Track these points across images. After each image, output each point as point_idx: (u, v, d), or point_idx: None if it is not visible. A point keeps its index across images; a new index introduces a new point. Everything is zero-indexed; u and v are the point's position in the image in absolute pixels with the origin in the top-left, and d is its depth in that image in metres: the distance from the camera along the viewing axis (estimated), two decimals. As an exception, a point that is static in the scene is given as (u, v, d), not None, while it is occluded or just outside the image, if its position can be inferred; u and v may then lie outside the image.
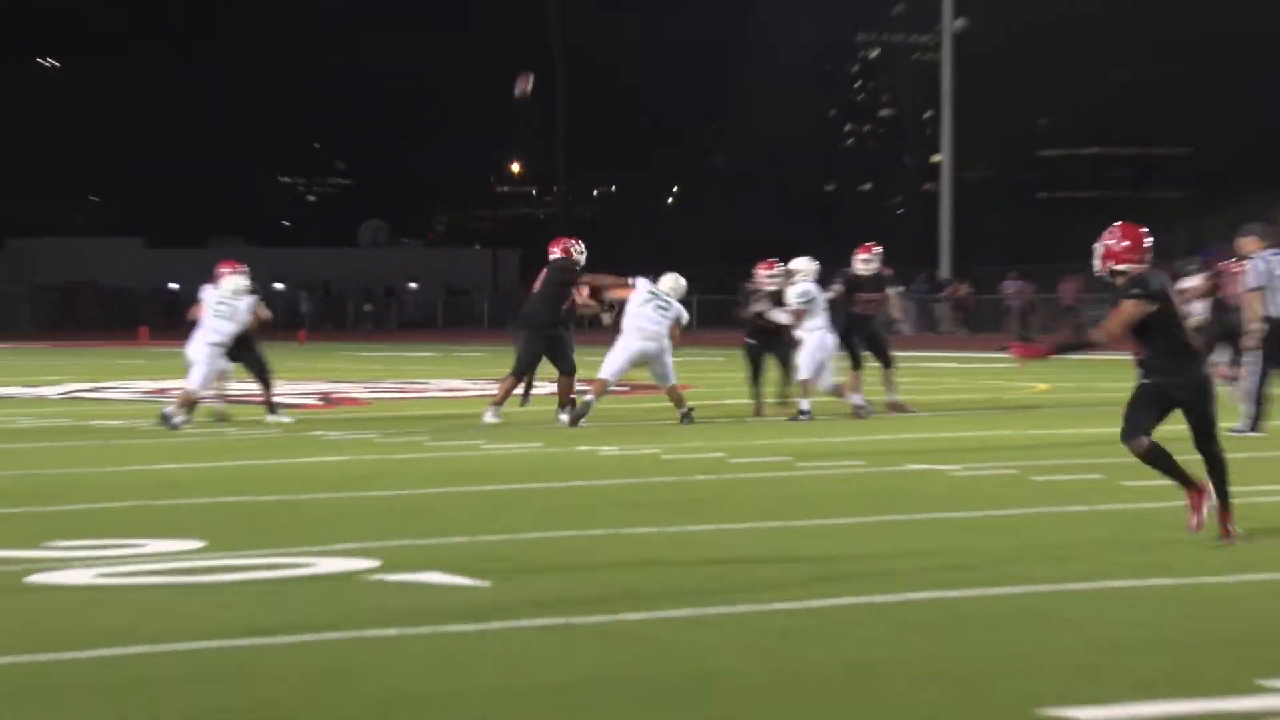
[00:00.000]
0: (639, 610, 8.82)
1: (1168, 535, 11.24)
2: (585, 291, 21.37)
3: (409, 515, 12.69)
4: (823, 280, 22.12)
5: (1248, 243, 19.17)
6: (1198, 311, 20.74)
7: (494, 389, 22.07)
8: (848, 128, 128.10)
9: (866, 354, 22.36)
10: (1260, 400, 18.64)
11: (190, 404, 20.48)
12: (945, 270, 62.31)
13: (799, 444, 17.92)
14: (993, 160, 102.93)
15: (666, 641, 8.16)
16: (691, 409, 20.74)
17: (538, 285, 21.33)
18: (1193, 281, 21.33)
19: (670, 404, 20.98)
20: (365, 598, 9.25)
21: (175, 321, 69.16)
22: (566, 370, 20.93)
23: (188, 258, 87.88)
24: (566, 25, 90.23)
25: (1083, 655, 7.78)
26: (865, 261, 22.59)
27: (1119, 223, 10.98)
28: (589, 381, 21.13)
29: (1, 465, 16.47)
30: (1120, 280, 10.63)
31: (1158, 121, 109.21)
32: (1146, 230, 10.84)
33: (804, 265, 21.99)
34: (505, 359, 24.93)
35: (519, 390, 21.67)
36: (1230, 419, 16.39)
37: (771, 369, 22.13)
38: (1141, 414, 10.58)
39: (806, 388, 21.35)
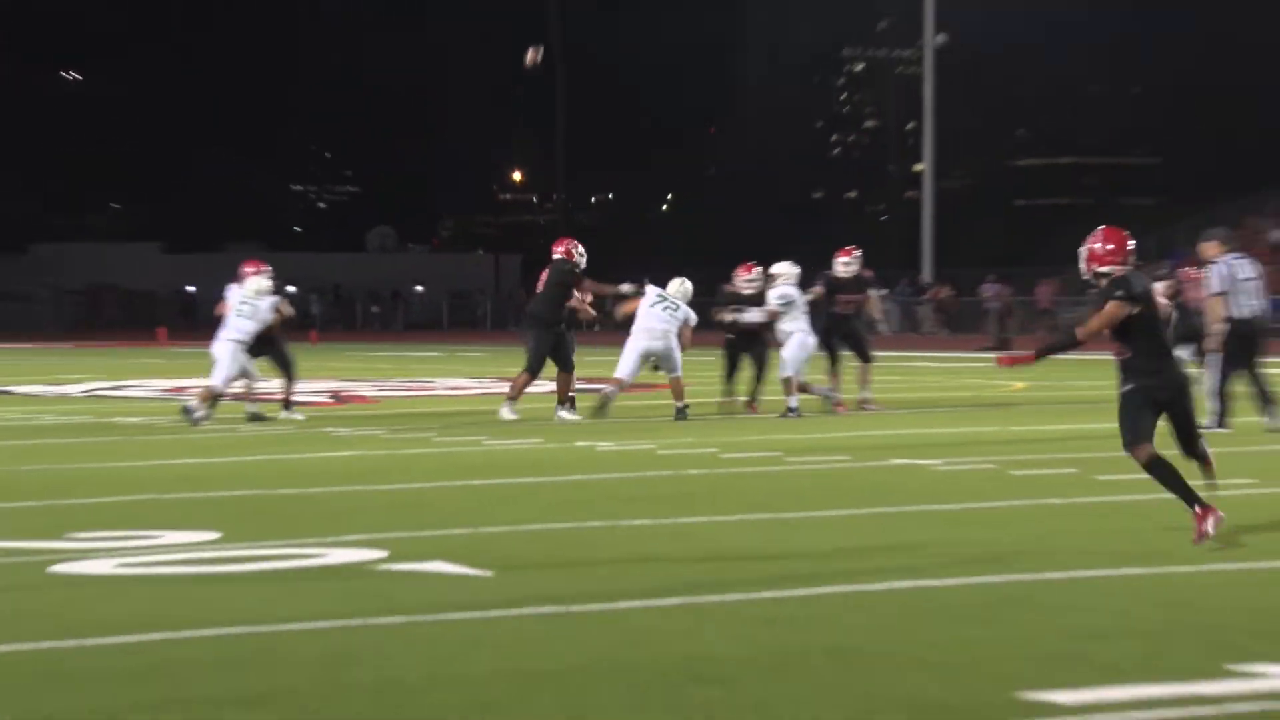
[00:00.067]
0: (635, 599, 8.81)
1: (1140, 526, 11.24)
2: (588, 296, 21.37)
3: (415, 508, 12.68)
4: (804, 283, 22.13)
5: (1209, 248, 19.16)
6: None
7: (500, 386, 22.11)
8: (834, 138, 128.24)
9: (846, 353, 22.37)
10: (1224, 398, 18.66)
11: (212, 400, 20.44)
12: (927, 274, 62.34)
13: (788, 440, 17.91)
14: (972, 169, 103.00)
15: (661, 629, 8.16)
16: (687, 406, 20.73)
17: (540, 286, 21.32)
18: (1156, 286, 21.33)
19: (671, 403, 20.95)
20: (373, 587, 9.24)
21: (192, 323, 69.51)
22: (565, 368, 20.92)
23: (204, 262, 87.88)
24: (567, 39, 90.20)
25: (1059, 642, 7.78)
26: (845, 264, 22.61)
27: (1103, 226, 10.83)
28: (608, 380, 21.17)
29: (26, 460, 16.46)
30: (1103, 282, 10.49)
31: (1129, 133, 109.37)
32: (1129, 234, 10.69)
33: (785, 269, 21.99)
34: (507, 358, 25.00)
35: (533, 386, 21.67)
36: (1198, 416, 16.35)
37: (746, 368, 22.09)
38: (1138, 421, 10.40)
39: (791, 386, 21.34)
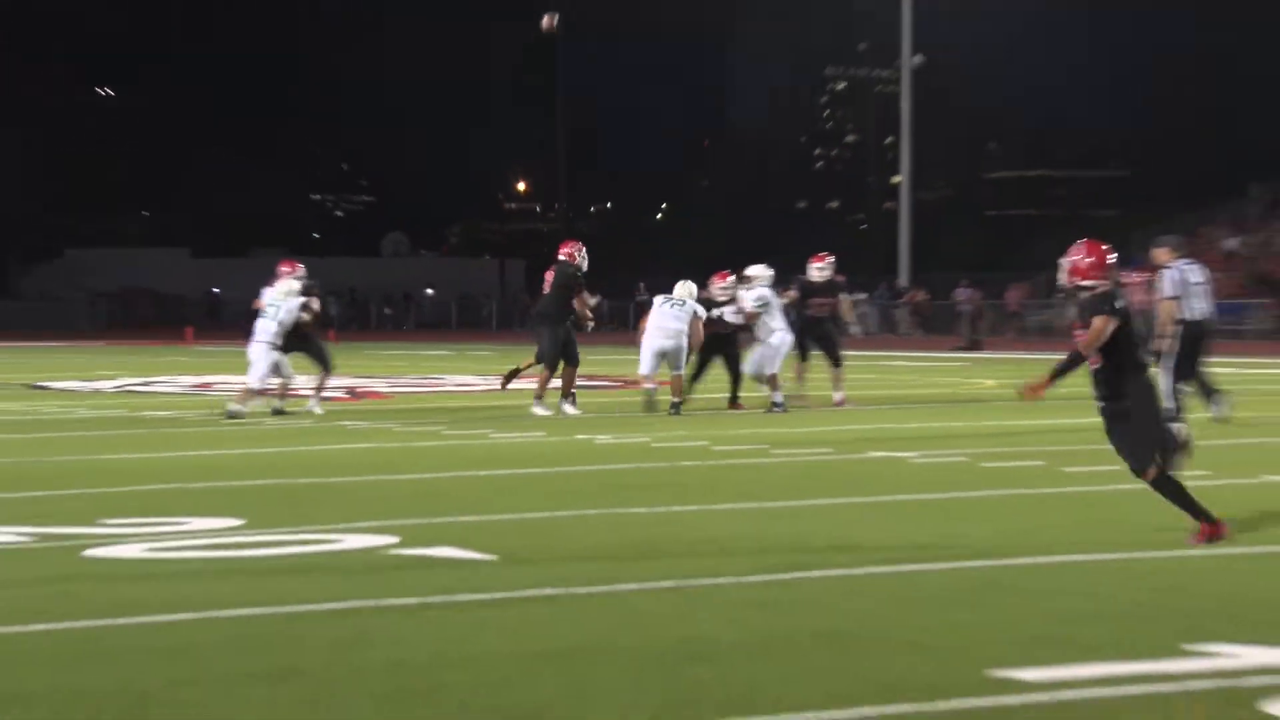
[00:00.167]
0: (631, 583, 8.79)
1: (1104, 515, 11.23)
2: (589, 300, 21.34)
3: (425, 497, 12.66)
4: (777, 286, 22.09)
5: (1161, 253, 19.14)
6: None
7: (510, 384, 22.12)
8: (818, 152, 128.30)
9: (817, 353, 22.29)
10: (1178, 396, 18.63)
11: (250, 397, 20.39)
12: (904, 279, 62.34)
13: (775, 433, 17.90)
14: (947, 181, 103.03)
15: (656, 612, 8.14)
16: (681, 403, 20.68)
17: (547, 287, 21.25)
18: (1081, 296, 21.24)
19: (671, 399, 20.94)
20: (385, 570, 9.22)
21: (218, 323, 69.47)
22: (572, 362, 20.89)
23: (229, 266, 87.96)
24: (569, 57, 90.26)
25: (1029, 624, 7.76)
26: (819, 269, 22.54)
27: (1084, 240, 10.44)
28: (639, 381, 21.23)
29: (61, 451, 16.44)
30: (1084, 296, 10.10)
31: (1095, 149, 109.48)
32: (1110, 247, 10.34)
33: (759, 271, 21.96)
34: (511, 357, 24.96)
35: (528, 382, 21.63)
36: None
37: (717, 370, 21.98)
38: (1137, 441, 9.90)
39: (774, 383, 21.32)
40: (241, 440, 17.60)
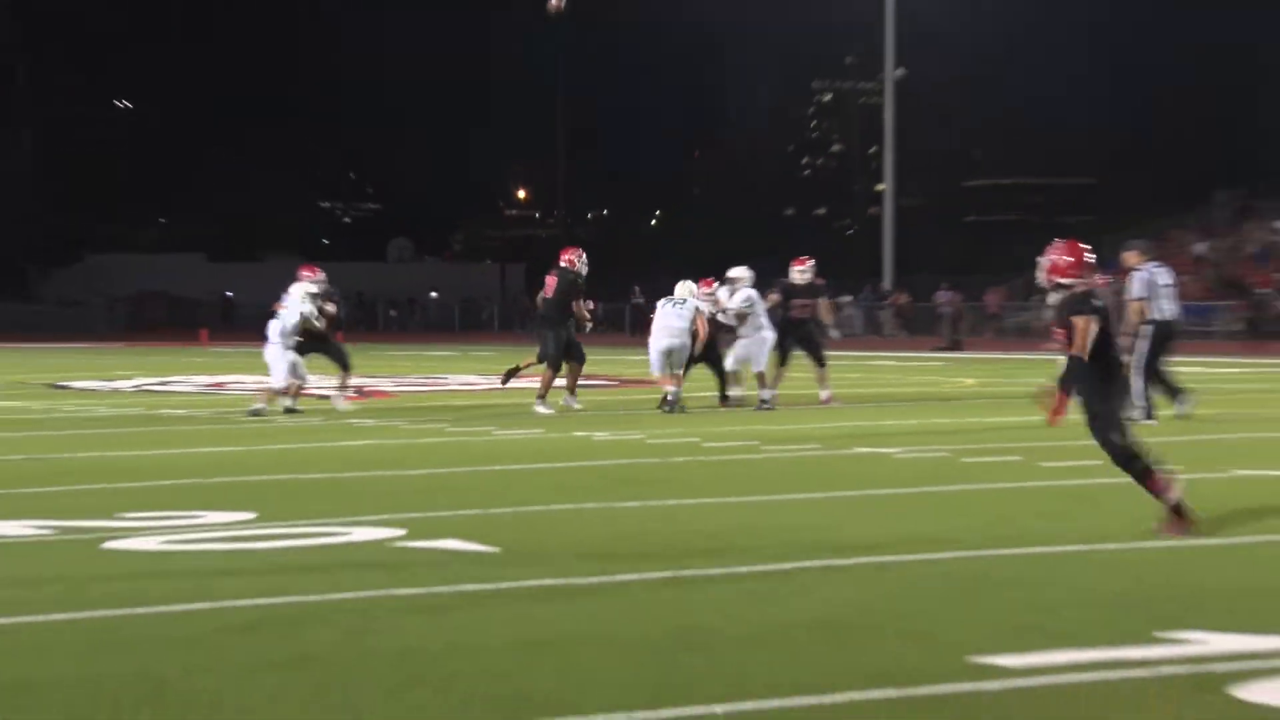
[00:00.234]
0: (627, 574, 8.78)
1: (1079, 509, 11.22)
2: (588, 304, 21.35)
3: (430, 491, 12.65)
4: (760, 286, 22.04)
5: (1130, 256, 19.17)
6: None
7: (510, 381, 22.14)
8: (805, 161, 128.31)
9: (799, 353, 22.12)
10: (1149, 394, 18.65)
11: (275, 398, 20.38)
12: (887, 282, 62.37)
13: (764, 430, 17.89)
14: (928, 189, 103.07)
15: (651, 601, 8.13)
16: (676, 402, 20.63)
17: (550, 293, 21.20)
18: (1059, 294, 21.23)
19: (662, 397, 20.90)
20: (393, 562, 9.21)
21: (231, 325, 69.39)
22: (578, 359, 20.96)
23: (243, 270, 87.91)
24: (569, 69, 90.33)
25: (1008, 612, 7.76)
26: (800, 272, 22.41)
27: (1063, 240, 10.23)
28: (659, 383, 21.05)
29: (81, 448, 16.42)
30: (1062, 294, 9.91)
31: (1068, 158, 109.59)
32: (1089, 247, 10.13)
33: (742, 273, 21.91)
34: (512, 357, 24.93)
35: (529, 379, 21.64)
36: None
37: (700, 369, 21.94)
38: (1103, 415, 9.77)
39: (762, 380, 21.30)
40: (254, 437, 17.59)
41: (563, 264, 21.25)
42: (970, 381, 28.16)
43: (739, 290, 21.69)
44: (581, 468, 14.47)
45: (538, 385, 20.96)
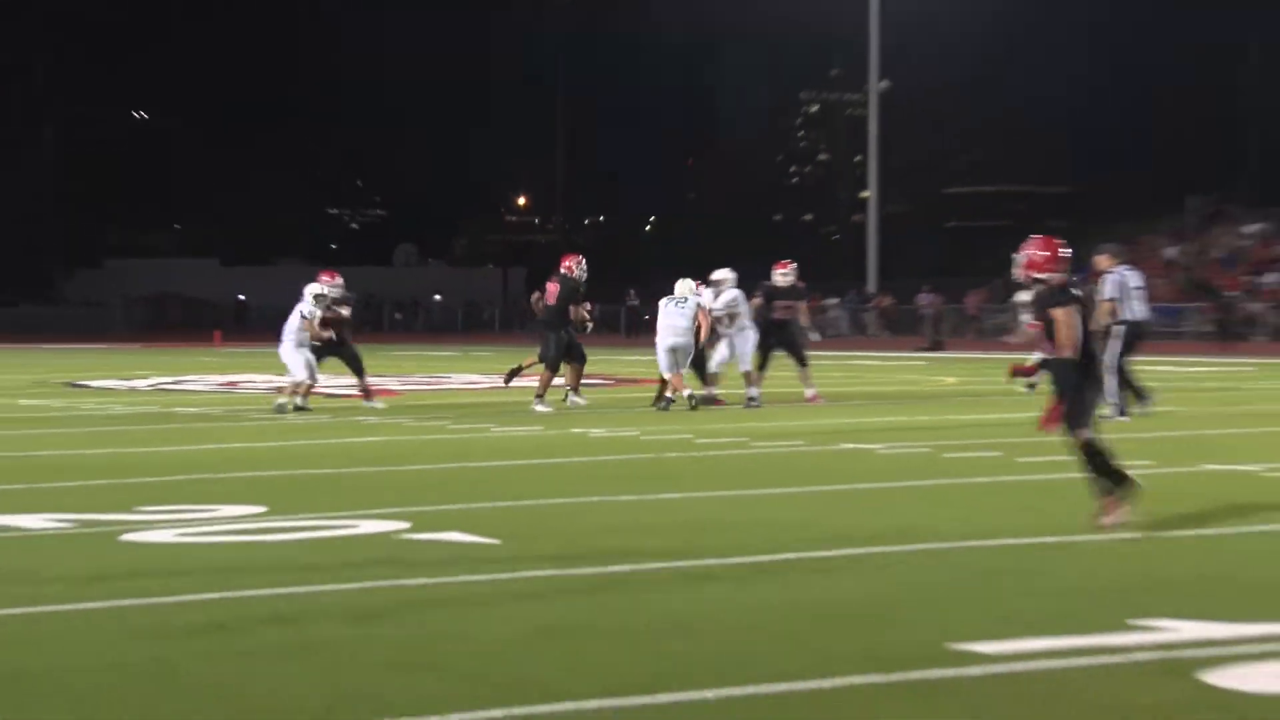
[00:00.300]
0: (621, 563, 8.78)
1: (1055, 502, 11.22)
2: (585, 308, 21.36)
3: (434, 485, 12.64)
4: (742, 287, 21.98)
5: (1102, 260, 19.19)
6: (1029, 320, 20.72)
7: (513, 381, 22.16)
8: (793, 169, 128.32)
9: (780, 353, 21.99)
10: (1122, 391, 18.65)
11: (297, 391, 20.37)
12: (872, 285, 62.39)
13: (752, 427, 17.89)
14: (911, 196, 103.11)
15: (645, 589, 8.13)
16: (673, 401, 20.62)
17: (552, 299, 21.15)
18: (1025, 295, 21.26)
19: (660, 394, 20.88)
20: (398, 553, 9.21)
21: (244, 327, 69.33)
22: (579, 360, 21.00)
23: (255, 274, 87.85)
24: (567, 80, 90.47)
25: (987, 601, 7.76)
26: (783, 275, 22.28)
27: (1038, 235, 10.06)
28: (669, 381, 20.84)
29: (100, 444, 16.41)
30: (1040, 289, 9.71)
31: (1045, 166, 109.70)
32: (1064, 242, 9.96)
33: (725, 275, 21.84)
34: (512, 357, 24.93)
35: (530, 379, 21.64)
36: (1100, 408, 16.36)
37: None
38: (1074, 405, 9.61)
39: (749, 379, 21.27)
40: (265, 434, 17.57)
41: (563, 271, 21.27)
42: (951, 380, 28.16)
43: (723, 292, 21.65)
44: (578, 463, 14.46)
45: (536, 384, 20.98)
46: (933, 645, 6.74)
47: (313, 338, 20.44)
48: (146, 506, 11.12)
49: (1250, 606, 7.56)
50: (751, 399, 20.99)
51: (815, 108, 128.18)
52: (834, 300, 62.34)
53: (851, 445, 15.64)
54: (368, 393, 21.16)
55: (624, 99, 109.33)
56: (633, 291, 65.48)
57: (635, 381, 24.06)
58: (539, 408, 20.22)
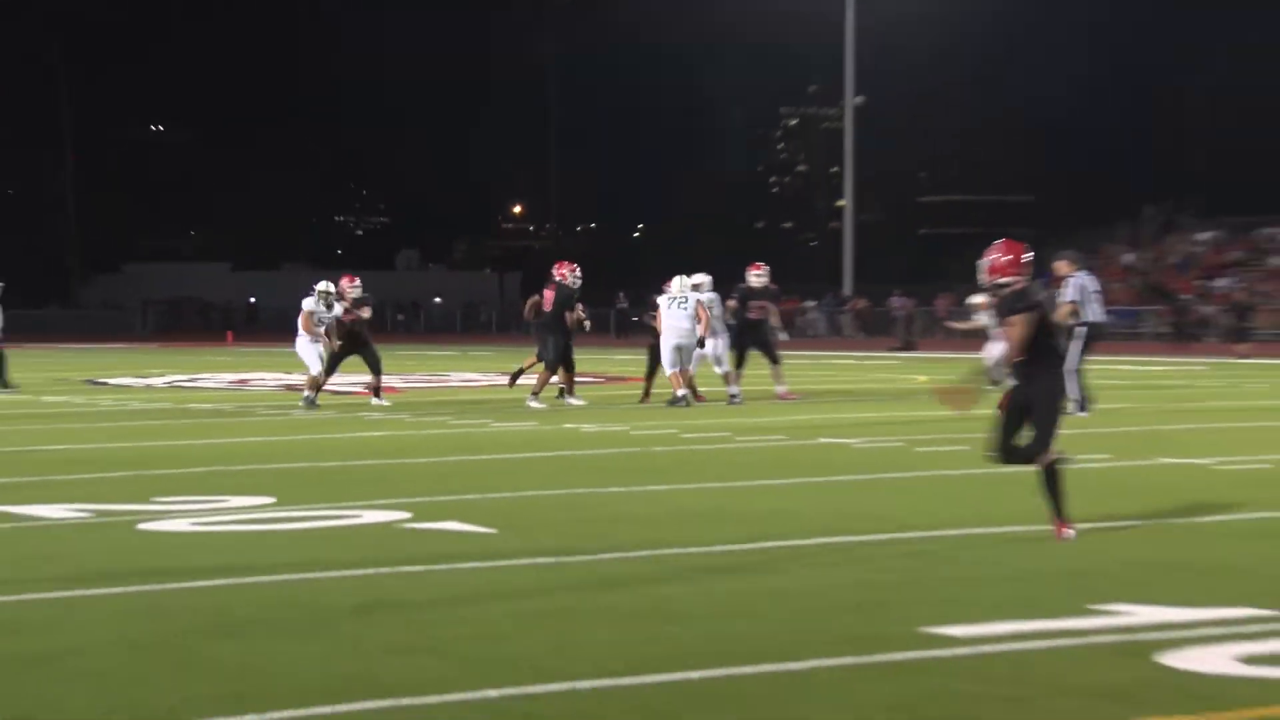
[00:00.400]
0: (612, 552, 8.77)
1: (1020, 493, 11.20)
2: (580, 312, 21.33)
3: (434, 477, 12.62)
4: (718, 288, 21.88)
5: (1061, 265, 19.24)
6: (984, 321, 20.77)
7: (504, 380, 22.12)
8: (773, 179, 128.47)
9: (754, 352, 21.91)
10: (1083, 388, 18.66)
11: (315, 385, 20.35)
12: (847, 288, 62.42)
13: (735, 422, 17.88)
14: (884, 204, 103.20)
15: (633, 576, 8.12)
16: (679, 399, 20.44)
17: (548, 305, 21.08)
18: (979, 298, 21.29)
19: (662, 392, 20.82)
20: (400, 541, 9.19)
21: (254, 328, 69.20)
22: (569, 367, 20.96)
23: (265, 278, 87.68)
24: (563, 88, 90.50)
25: (955, 586, 7.76)
26: (757, 276, 22.18)
27: (1002, 240, 9.82)
28: (673, 378, 20.63)
29: (118, 438, 16.37)
30: (1003, 293, 9.46)
31: (1010, 177, 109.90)
32: (1026, 245, 9.72)
33: (702, 279, 21.71)
34: (511, 357, 24.92)
35: (528, 378, 21.62)
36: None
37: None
38: (1039, 428, 9.25)
39: (729, 378, 21.22)
40: (274, 429, 17.54)
41: (558, 278, 21.25)
42: (922, 378, 28.16)
43: (702, 292, 21.55)
44: (571, 457, 14.44)
45: (533, 383, 20.96)
46: (904, 628, 6.73)
47: (305, 329, 20.41)
48: (162, 497, 11.09)
49: (1204, 592, 7.57)
50: (733, 396, 20.95)
51: (794, 122, 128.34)
52: (811, 303, 62.36)
53: (829, 440, 15.64)
54: (377, 391, 21.13)
55: (614, 112, 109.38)
56: (622, 294, 65.45)
57: (625, 380, 24.03)
58: (534, 404, 20.21)
